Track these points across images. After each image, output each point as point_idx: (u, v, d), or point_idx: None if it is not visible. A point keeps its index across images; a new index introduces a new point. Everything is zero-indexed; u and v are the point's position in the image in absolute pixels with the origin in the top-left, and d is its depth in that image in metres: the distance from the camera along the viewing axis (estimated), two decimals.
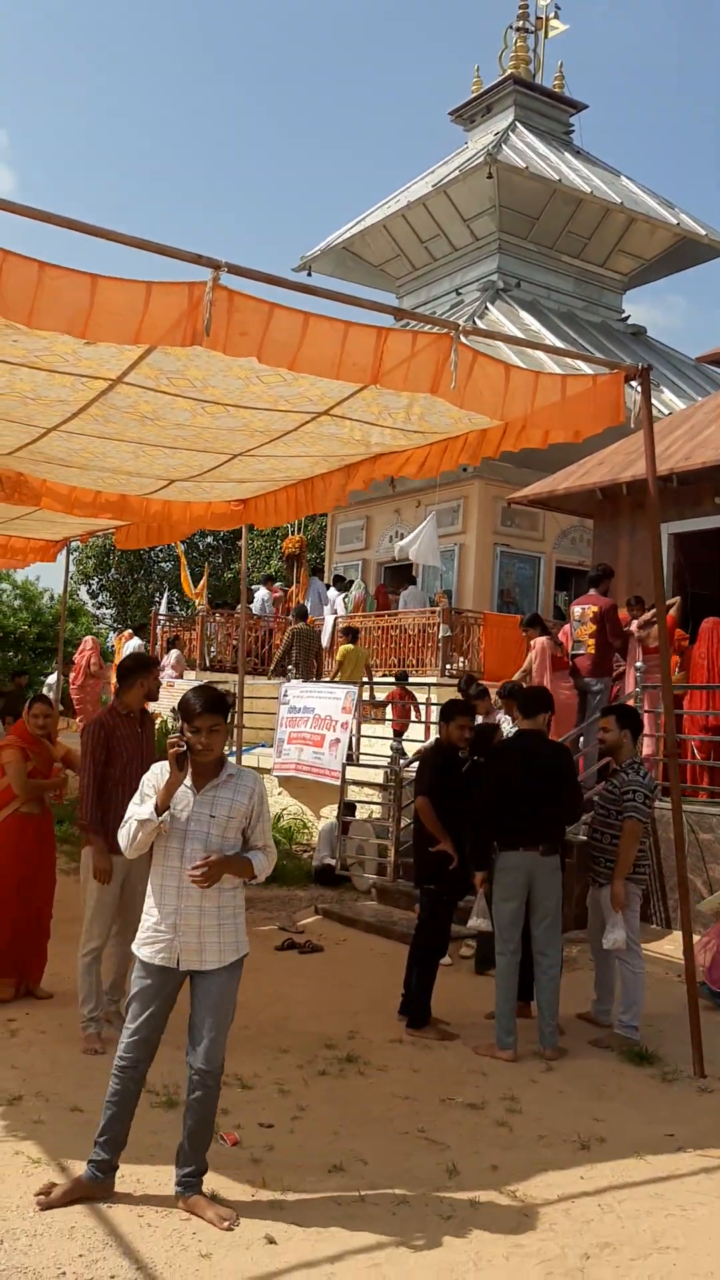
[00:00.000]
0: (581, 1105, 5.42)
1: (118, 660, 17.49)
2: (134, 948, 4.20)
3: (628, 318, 23.66)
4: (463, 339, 5.42)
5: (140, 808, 4.09)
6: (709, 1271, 3.83)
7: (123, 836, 4.11)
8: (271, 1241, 3.88)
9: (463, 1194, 4.34)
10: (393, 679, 14.67)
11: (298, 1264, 3.75)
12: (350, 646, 14.59)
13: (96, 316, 4.68)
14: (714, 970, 7.26)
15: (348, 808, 11.70)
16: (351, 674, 14.16)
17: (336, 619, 17.46)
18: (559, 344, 18.22)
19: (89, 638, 19.22)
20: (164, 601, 28.39)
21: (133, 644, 17.75)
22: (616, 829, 6.52)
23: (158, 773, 4.15)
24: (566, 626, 10.65)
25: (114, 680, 7.01)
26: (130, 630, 19.14)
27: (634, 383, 6.20)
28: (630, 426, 6.25)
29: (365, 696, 13.74)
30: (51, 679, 17.94)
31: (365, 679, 14.25)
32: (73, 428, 7.02)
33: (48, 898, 6.95)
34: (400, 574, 19.71)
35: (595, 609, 10.04)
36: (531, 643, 10.79)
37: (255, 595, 19.11)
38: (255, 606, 18.76)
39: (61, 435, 7.28)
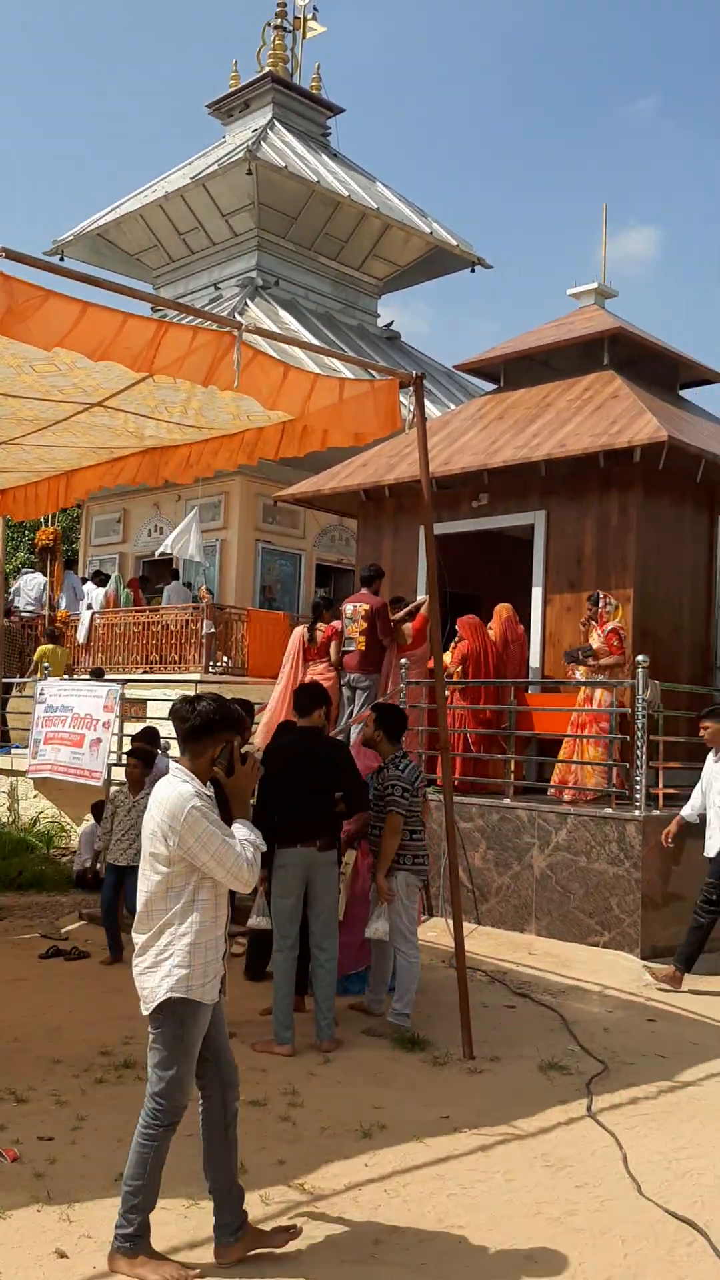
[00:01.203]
0: (360, 1094, 5.55)
1: None
2: (193, 995, 3.77)
3: (391, 324, 24.23)
4: (246, 338, 5.43)
5: (248, 835, 3.75)
6: (495, 1246, 4.01)
7: (251, 870, 3.74)
8: (63, 1256, 3.78)
9: (252, 1191, 4.33)
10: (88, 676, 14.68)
11: (92, 1276, 3.68)
12: (49, 646, 15.28)
13: None
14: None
15: (101, 809, 11.44)
16: (53, 673, 14.70)
17: (93, 614, 17.06)
18: (317, 344, 18.46)
19: None
20: None
21: None
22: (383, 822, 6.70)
23: (208, 799, 3.77)
24: (335, 623, 10.86)
25: None
26: None
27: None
28: (405, 430, 6.41)
29: None
30: None
31: (65, 678, 14.49)
32: None
33: None
34: (160, 569, 19.45)
35: (366, 607, 10.27)
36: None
37: (24, 585, 18.18)
38: (34, 596, 17.89)
39: None
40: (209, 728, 3.83)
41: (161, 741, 9.99)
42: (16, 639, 16.43)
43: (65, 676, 14.42)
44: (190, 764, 3.85)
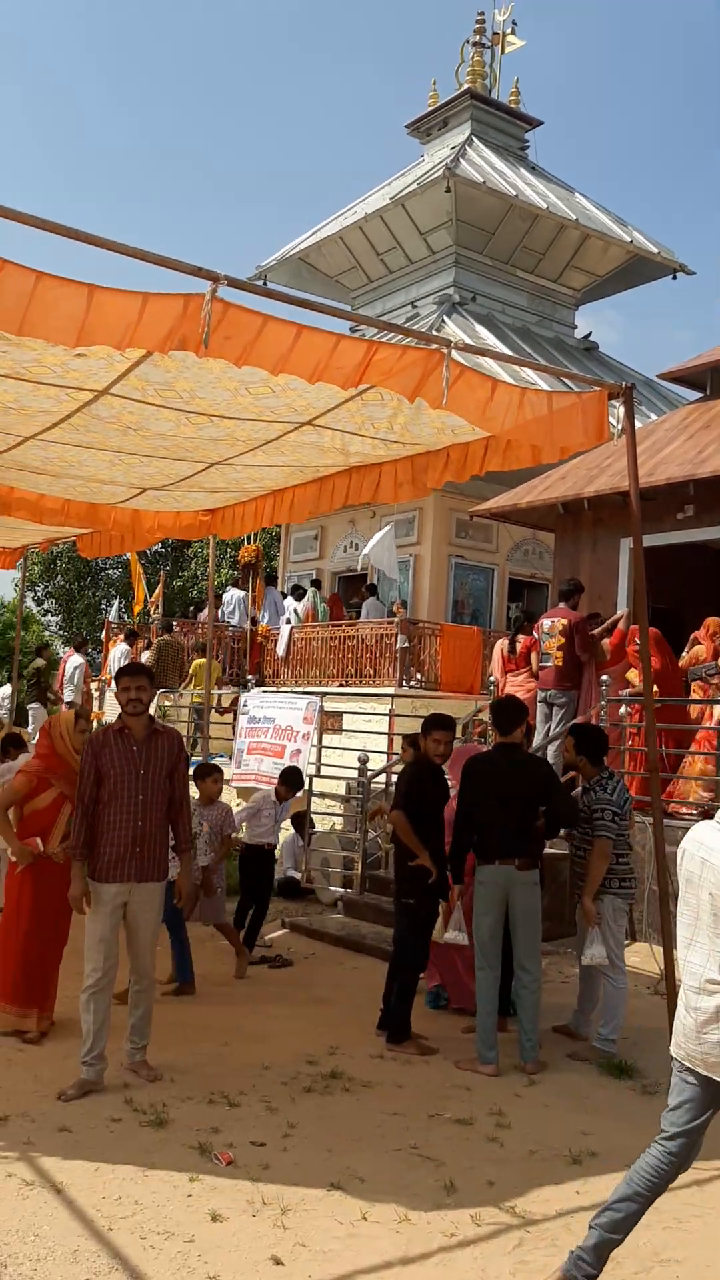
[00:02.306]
0: (568, 1119, 5.44)
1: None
2: None
3: (589, 335, 23.93)
4: (454, 355, 5.45)
5: None
6: None
7: None
8: (278, 1263, 3.85)
9: (463, 1210, 4.34)
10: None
11: None
12: (201, 660, 16.01)
13: (91, 327, 4.63)
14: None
15: (302, 820, 11.64)
16: (201, 685, 15.24)
17: (292, 629, 17.45)
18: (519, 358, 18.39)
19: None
20: (114, 609, 28.20)
21: (74, 660, 17.64)
22: (590, 845, 6.58)
23: None
24: (528, 638, 10.81)
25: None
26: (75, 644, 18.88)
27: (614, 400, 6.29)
28: (613, 440, 6.31)
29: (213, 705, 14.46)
30: (4, 690, 17.74)
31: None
32: (51, 436, 6.96)
33: (64, 924, 6.38)
34: (356, 584, 19.73)
35: (565, 622, 10.12)
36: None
37: (226, 601, 18.90)
38: (232, 610, 18.61)
39: (38, 444, 7.21)
40: None
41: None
42: (175, 653, 17.32)
43: (217, 688, 15.01)
44: None
